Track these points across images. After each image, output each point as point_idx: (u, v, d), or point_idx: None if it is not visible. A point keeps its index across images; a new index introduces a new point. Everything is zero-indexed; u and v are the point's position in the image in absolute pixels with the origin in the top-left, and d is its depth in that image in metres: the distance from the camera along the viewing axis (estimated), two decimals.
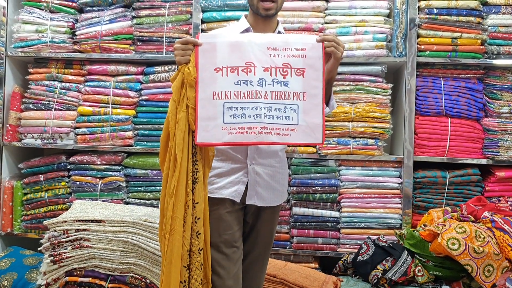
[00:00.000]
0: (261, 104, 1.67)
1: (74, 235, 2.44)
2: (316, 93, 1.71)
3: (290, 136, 1.69)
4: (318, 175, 2.86)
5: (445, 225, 2.43)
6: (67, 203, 2.99)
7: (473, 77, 2.84)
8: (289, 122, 1.69)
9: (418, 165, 2.84)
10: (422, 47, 2.78)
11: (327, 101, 1.86)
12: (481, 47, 2.76)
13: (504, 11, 2.76)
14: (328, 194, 2.85)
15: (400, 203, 2.82)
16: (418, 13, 2.78)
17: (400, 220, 2.81)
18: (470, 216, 2.54)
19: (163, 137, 1.72)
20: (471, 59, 2.77)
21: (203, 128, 1.67)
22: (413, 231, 2.57)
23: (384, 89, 2.83)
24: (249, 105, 1.66)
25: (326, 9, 2.87)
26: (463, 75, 2.84)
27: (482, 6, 2.78)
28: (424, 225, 2.60)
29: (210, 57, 1.68)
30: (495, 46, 2.76)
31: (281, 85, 1.69)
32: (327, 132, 2.84)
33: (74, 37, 3.03)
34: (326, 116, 2.73)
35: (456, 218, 2.54)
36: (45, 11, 3.04)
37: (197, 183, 1.70)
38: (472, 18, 2.77)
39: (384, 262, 2.49)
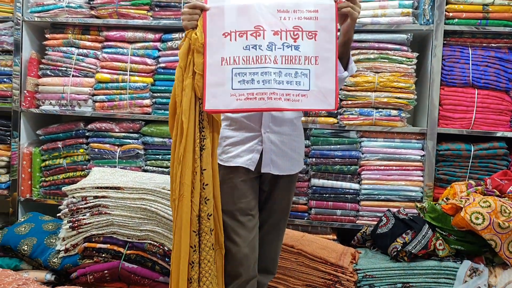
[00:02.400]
0: (271, 69, 1.62)
1: (92, 202, 2.45)
2: (329, 56, 1.64)
3: (301, 102, 1.64)
4: (338, 146, 2.81)
5: (468, 199, 2.38)
6: (86, 170, 2.99)
7: (504, 46, 2.72)
8: (300, 87, 1.63)
9: (442, 137, 2.77)
10: (451, 14, 2.67)
11: (345, 64, 1.80)
12: None
13: None
14: (349, 166, 2.81)
15: (422, 176, 2.76)
16: None
17: (422, 193, 2.76)
18: (495, 190, 2.48)
19: (171, 104, 1.70)
20: (503, 28, 2.65)
21: (212, 94, 1.63)
22: (435, 204, 2.52)
23: (409, 58, 2.74)
24: (258, 71, 1.62)
25: None
26: (493, 44, 2.72)
27: None
28: (446, 198, 2.54)
29: (218, 22, 1.64)
30: None
31: (291, 49, 1.63)
32: (349, 102, 2.78)
33: (91, 2, 2.98)
34: (348, 86, 2.74)
35: (480, 192, 2.48)
36: None
37: (204, 149, 1.68)
38: None
39: (404, 235, 2.45)
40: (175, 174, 1.68)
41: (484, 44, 2.73)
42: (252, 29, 1.63)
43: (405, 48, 2.75)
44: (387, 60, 2.75)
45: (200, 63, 1.64)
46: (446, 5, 2.67)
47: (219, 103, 1.64)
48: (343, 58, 1.78)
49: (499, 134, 2.71)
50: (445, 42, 2.71)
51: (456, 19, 2.68)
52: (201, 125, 1.68)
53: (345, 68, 1.81)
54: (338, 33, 1.70)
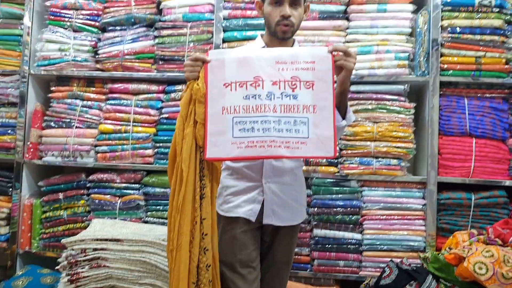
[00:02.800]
0: (270, 118, 1.65)
1: (91, 254, 2.42)
2: (326, 105, 1.68)
3: (301, 150, 1.65)
4: (339, 196, 2.80)
5: (471, 248, 2.35)
6: (86, 222, 2.97)
7: (498, 96, 2.78)
8: (299, 135, 1.65)
9: (442, 186, 2.78)
10: (445, 66, 2.74)
11: (343, 114, 1.83)
12: (506, 66, 2.72)
13: None
14: (350, 216, 2.79)
15: (424, 225, 2.74)
16: (441, 32, 2.75)
17: (424, 242, 2.74)
18: (497, 239, 2.45)
19: (171, 153, 1.72)
20: (496, 79, 2.72)
21: (213, 143, 1.66)
22: (438, 254, 2.49)
23: (406, 108, 2.79)
24: (258, 119, 1.65)
25: (347, 28, 2.86)
26: (487, 95, 2.78)
27: (506, 25, 2.74)
28: (449, 248, 2.51)
29: (219, 73, 1.69)
30: None
31: (290, 98, 1.67)
32: (349, 151, 2.80)
33: (97, 56, 3.06)
34: (347, 135, 2.77)
35: (482, 242, 2.45)
36: (69, 30, 3.08)
37: (204, 198, 1.68)
38: (496, 37, 2.73)
39: (408, 286, 2.40)
40: (173, 224, 1.67)
41: (479, 95, 2.79)
42: (252, 79, 1.67)
43: (402, 98, 2.81)
44: (385, 110, 2.80)
45: (201, 112, 1.67)
46: (441, 57, 2.75)
47: (220, 152, 1.66)
48: (341, 108, 1.81)
49: (507, 183, 2.70)
50: (441, 92, 2.76)
51: (451, 71, 2.74)
52: (201, 173, 1.69)
53: (343, 117, 1.83)
54: (335, 84, 1.74)
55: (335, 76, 1.72)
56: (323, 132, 1.66)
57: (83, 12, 3.08)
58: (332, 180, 2.82)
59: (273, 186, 1.88)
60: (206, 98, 1.67)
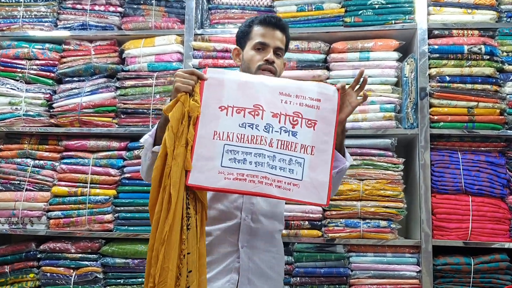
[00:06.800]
0: (265, 152, 1.54)
1: None
2: (326, 148, 1.59)
3: (292, 192, 1.54)
4: (324, 263, 2.54)
5: None
6: None
7: (494, 150, 2.60)
8: (292, 176, 1.55)
9: (438, 250, 2.55)
10: (435, 117, 2.57)
11: (343, 153, 1.75)
12: (501, 117, 2.55)
13: None
14: (337, 285, 2.53)
15: None
16: (429, 81, 2.60)
17: None
18: None
19: (156, 175, 1.50)
20: (490, 130, 2.54)
21: (198, 168, 1.50)
22: None
23: (395, 164, 2.59)
24: (252, 151, 1.54)
25: (328, 78, 2.68)
26: (482, 148, 2.60)
27: (498, 73, 2.58)
28: None
29: (216, 94, 1.57)
30: None
31: (289, 135, 1.58)
32: (334, 212, 2.56)
33: (51, 110, 2.84)
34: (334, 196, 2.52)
35: None
36: (21, 82, 2.87)
37: (189, 230, 1.48)
38: (488, 86, 2.57)
39: None
40: (156, 257, 1.44)
41: (473, 148, 2.61)
42: (251, 107, 1.57)
43: (390, 153, 2.61)
44: (371, 167, 2.59)
45: (194, 133, 1.53)
46: (430, 108, 2.58)
47: (205, 180, 1.51)
48: (341, 148, 1.73)
49: (508, 245, 2.48)
50: (432, 146, 2.58)
51: (442, 122, 2.56)
52: (187, 201, 1.50)
53: (344, 156, 1.76)
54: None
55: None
56: (318, 177, 1.56)
57: (37, 62, 2.90)
58: (316, 245, 2.57)
59: (250, 251, 1.77)
60: (197, 118, 1.54)
